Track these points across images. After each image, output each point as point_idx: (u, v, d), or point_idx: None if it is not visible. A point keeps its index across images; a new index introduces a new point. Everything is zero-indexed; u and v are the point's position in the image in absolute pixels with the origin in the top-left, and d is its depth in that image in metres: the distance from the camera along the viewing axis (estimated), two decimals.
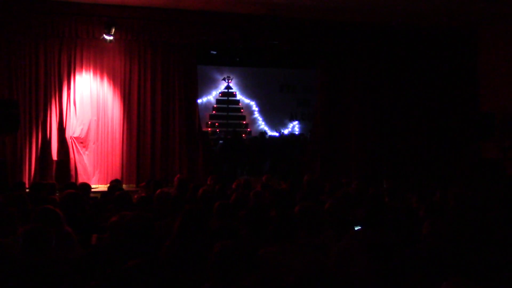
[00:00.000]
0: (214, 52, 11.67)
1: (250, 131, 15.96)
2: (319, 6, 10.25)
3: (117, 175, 10.21)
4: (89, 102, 10.44)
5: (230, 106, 16.03)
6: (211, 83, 16.00)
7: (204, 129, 15.44)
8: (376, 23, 11.53)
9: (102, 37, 10.12)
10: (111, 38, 10.10)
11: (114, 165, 10.57)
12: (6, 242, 3.83)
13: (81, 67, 10.39)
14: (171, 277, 3.30)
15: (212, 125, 15.88)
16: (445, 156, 11.95)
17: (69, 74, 10.29)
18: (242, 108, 16.27)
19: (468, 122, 11.81)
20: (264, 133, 15.03)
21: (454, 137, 11.95)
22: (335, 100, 11.86)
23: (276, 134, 15.60)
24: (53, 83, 10.22)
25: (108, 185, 8.40)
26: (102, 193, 8.03)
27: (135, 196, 7.10)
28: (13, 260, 3.27)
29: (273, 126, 16.33)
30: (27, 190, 7.87)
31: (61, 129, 10.20)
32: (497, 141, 11.04)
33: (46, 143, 10.14)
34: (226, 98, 16.01)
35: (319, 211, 4.24)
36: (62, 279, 3.25)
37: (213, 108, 16.03)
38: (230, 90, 16.06)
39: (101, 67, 10.55)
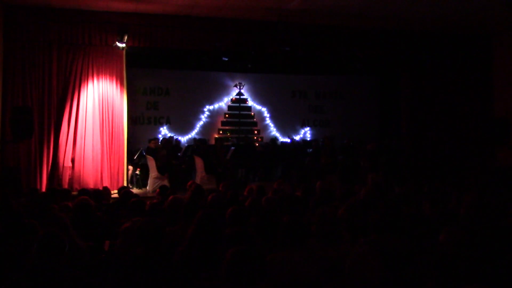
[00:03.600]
0: (226, 59, 11.69)
1: (262, 138, 15.95)
2: (331, 12, 10.25)
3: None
4: (101, 108, 10.52)
5: (241, 112, 16.04)
6: (222, 90, 16.03)
7: (216, 135, 15.53)
8: (386, 30, 11.53)
9: (115, 44, 10.20)
10: (124, 45, 10.18)
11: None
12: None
13: (94, 74, 10.48)
14: (185, 283, 3.29)
15: (224, 132, 15.90)
16: (459, 162, 11.84)
17: (82, 81, 10.37)
18: (253, 114, 16.28)
19: (482, 128, 11.70)
20: (275, 139, 15.01)
21: (468, 143, 11.85)
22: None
23: (288, 140, 15.57)
24: (66, 90, 10.30)
25: (117, 191, 8.45)
26: (114, 199, 8.08)
27: (148, 202, 7.12)
28: (28, 266, 3.29)
29: (284, 132, 16.30)
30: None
31: (74, 136, 10.27)
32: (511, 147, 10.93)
33: (59, 149, 10.21)
34: (237, 104, 16.03)
35: (335, 217, 4.21)
36: (75, 284, 3.26)
37: (225, 115, 16.05)
38: (241, 97, 16.08)
39: (113, 74, 10.65)
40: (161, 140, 13.24)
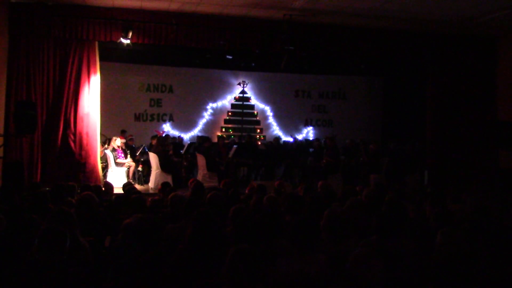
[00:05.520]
0: (230, 57, 11.68)
1: (264, 137, 15.94)
2: (336, 12, 10.23)
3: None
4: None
5: (244, 111, 16.03)
6: (226, 88, 16.03)
7: (219, 133, 15.54)
8: (388, 29, 11.52)
9: (119, 40, 10.21)
10: (128, 41, 10.18)
11: None
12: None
13: (98, 69, 10.49)
14: (185, 281, 3.30)
15: (227, 130, 15.91)
16: (462, 164, 11.80)
17: (85, 76, 10.38)
18: (256, 113, 16.27)
19: (486, 131, 11.66)
20: (278, 138, 15.02)
21: (471, 146, 11.80)
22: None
23: (291, 139, 15.56)
24: (69, 85, 10.31)
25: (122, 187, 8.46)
26: (116, 195, 8.09)
27: (149, 199, 7.13)
28: (29, 261, 3.30)
29: (287, 131, 16.30)
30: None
31: (77, 130, 10.29)
32: None
33: (62, 144, 10.23)
34: (241, 102, 16.02)
35: (344, 218, 4.22)
36: (75, 279, 3.27)
37: (228, 113, 16.05)
38: (245, 95, 16.07)
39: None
40: (158, 137, 13.20)
